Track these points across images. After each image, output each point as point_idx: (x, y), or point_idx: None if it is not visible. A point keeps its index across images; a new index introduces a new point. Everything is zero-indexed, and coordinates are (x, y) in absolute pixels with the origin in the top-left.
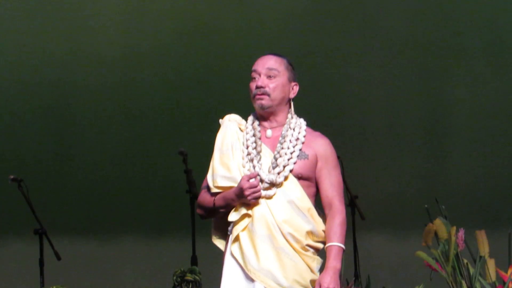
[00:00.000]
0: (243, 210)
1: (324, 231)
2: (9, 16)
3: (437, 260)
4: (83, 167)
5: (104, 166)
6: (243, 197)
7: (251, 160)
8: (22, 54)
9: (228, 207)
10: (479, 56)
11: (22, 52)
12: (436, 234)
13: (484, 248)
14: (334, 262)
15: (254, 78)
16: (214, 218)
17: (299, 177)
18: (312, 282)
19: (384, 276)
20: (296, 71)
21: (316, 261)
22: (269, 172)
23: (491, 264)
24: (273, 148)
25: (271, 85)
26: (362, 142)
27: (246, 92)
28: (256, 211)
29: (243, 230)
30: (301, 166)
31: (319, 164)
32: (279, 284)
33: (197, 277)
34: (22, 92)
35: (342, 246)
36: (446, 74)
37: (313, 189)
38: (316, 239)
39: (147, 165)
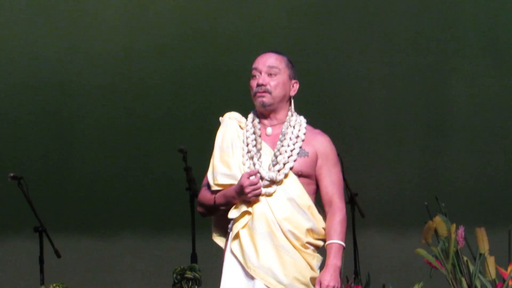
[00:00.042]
0: (243, 208)
1: (324, 229)
2: (9, 14)
3: (437, 258)
4: (83, 165)
5: (104, 164)
6: (244, 195)
7: (251, 158)
8: (21, 53)
9: (229, 204)
10: (478, 54)
11: (21, 50)
12: (436, 231)
13: (484, 245)
14: (335, 260)
15: (255, 76)
16: (214, 215)
17: (299, 175)
18: (312, 279)
19: (384, 273)
20: (296, 69)
21: (316, 259)
22: (269, 169)
23: (491, 261)
24: (273, 146)
25: (272, 83)
26: (362, 139)
27: (246, 90)
28: (256, 208)
29: (243, 227)
30: (301, 164)
31: (319, 162)
32: (279, 282)
33: (197, 275)
34: (22, 90)
35: (343, 243)
36: (445, 71)
37: (313, 187)
38: (316, 236)
39: (147, 163)
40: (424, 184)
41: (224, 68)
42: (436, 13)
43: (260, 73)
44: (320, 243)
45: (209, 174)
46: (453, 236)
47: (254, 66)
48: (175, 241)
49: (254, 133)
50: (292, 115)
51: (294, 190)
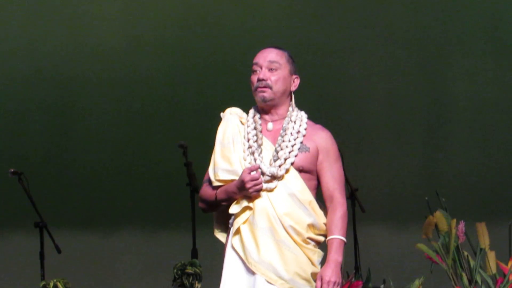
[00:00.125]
0: (244, 203)
1: (325, 224)
2: (10, 9)
3: (437, 253)
4: (83, 160)
5: (105, 159)
6: (245, 190)
7: (252, 153)
8: (22, 48)
9: (230, 200)
10: (479, 50)
11: (22, 45)
12: (436, 226)
13: (484, 240)
14: (336, 255)
15: (255, 71)
16: (216, 211)
17: (300, 170)
18: (313, 274)
19: (385, 268)
20: (297, 64)
21: (317, 254)
22: (270, 165)
23: (491, 256)
24: (274, 141)
25: (273, 78)
26: (363, 134)
27: (247, 85)
28: (257, 203)
29: (244, 222)
30: (302, 159)
31: (320, 157)
32: (280, 277)
33: (197, 270)
34: (22, 86)
35: (344, 239)
36: (446, 67)
37: (314, 182)
38: (317, 232)
39: (148, 158)
40: (425, 179)
41: (225, 64)
42: (437, 9)
43: (261, 68)
44: (321, 238)
45: (210, 170)
46: (453, 231)
47: (254, 61)
48: (176, 236)
49: (255, 128)
50: (293, 110)
51: (295, 186)
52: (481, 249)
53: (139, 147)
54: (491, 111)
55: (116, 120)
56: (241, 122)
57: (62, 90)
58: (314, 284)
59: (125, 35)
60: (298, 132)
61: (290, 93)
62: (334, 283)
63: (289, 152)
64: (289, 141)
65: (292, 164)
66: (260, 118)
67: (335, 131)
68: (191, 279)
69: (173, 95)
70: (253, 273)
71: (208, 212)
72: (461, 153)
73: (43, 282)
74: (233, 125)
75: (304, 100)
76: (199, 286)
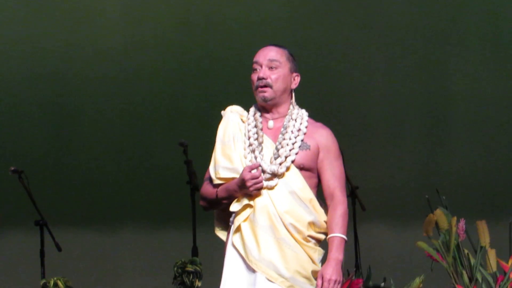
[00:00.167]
0: (245, 201)
1: (325, 222)
2: (9, 7)
3: (438, 251)
4: (83, 158)
5: (105, 157)
6: (245, 188)
7: (253, 151)
8: (21, 46)
9: (231, 198)
10: (479, 47)
11: (21, 43)
12: (437, 224)
13: (485, 238)
14: (336, 254)
15: (256, 69)
16: (217, 209)
17: (301, 168)
18: (314, 273)
19: (385, 266)
20: (297, 62)
21: (317, 252)
22: (270, 163)
23: (492, 254)
24: (275, 139)
25: (273, 76)
26: (363, 132)
27: (247, 83)
28: (258, 201)
29: (245, 220)
30: (303, 157)
31: (321, 155)
32: (280, 275)
33: (198, 268)
34: (22, 84)
35: (344, 237)
36: (446, 64)
37: (315, 180)
38: (317, 230)
39: (148, 156)
40: (425, 177)
41: (225, 62)
42: (437, 6)
43: (261, 66)
44: (322, 236)
45: (211, 168)
46: (454, 229)
47: (254, 59)
48: (176, 234)
49: (255, 126)
50: (293, 108)
51: (295, 183)
52: (481, 247)
53: (139, 145)
54: (491, 109)
55: (116, 118)
56: (241, 120)
57: (62, 89)
58: (314, 282)
59: (126, 33)
60: (299, 130)
61: (291, 91)
62: (335, 281)
63: (290, 150)
64: (290, 139)
65: (292, 162)
66: (261, 116)
67: (335, 129)
68: (191, 277)
69: (174, 93)
70: (253, 271)
71: (209, 210)
72: (461, 151)
73: (44, 280)
74: (234, 123)
75: (305, 98)
76: (200, 284)
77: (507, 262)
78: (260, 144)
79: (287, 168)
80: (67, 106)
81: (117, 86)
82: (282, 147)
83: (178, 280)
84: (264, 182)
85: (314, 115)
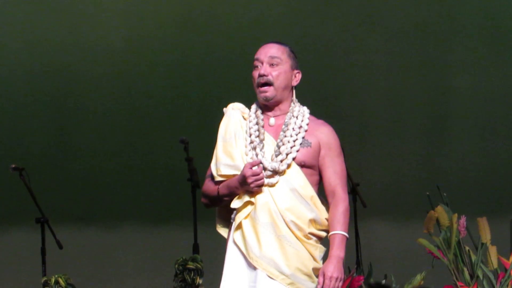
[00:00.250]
0: (246, 198)
1: (327, 219)
2: (12, 4)
3: (439, 248)
4: (84, 156)
5: (106, 155)
6: (246, 185)
7: (254, 148)
8: (22, 43)
9: (232, 195)
10: (480, 44)
11: (23, 41)
12: (437, 221)
13: (485, 235)
14: (338, 251)
15: (257, 66)
16: (218, 206)
17: (302, 165)
18: (315, 270)
19: (386, 263)
20: (298, 59)
21: (319, 250)
22: (272, 160)
23: (493, 251)
24: (276, 136)
25: (274, 73)
26: (364, 129)
27: (248, 80)
28: (259, 199)
29: (246, 217)
30: (304, 154)
31: (322, 152)
32: (281, 272)
33: (199, 265)
34: (23, 81)
35: (346, 234)
36: (447, 60)
37: (316, 177)
38: (319, 227)
39: (149, 153)
40: (426, 174)
41: (226, 59)
42: (437, 3)
43: (262, 63)
44: (323, 233)
45: (213, 165)
46: (455, 226)
47: (256, 56)
48: (177, 232)
49: (257, 123)
50: (295, 105)
51: (296, 181)
52: (482, 244)
53: (140, 142)
54: (493, 105)
55: (117, 115)
56: (243, 117)
57: (63, 86)
58: (315, 279)
59: (126, 31)
60: (300, 127)
61: (292, 88)
62: (337, 278)
63: (291, 147)
64: (291, 136)
65: (293, 159)
66: (262, 113)
67: (336, 126)
68: (192, 274)
69: (174, 91)
70: (254, 268)
71: (211, 208)
72: (462, 148)
73: (45, 278)
74: (235, 120)
75: (305, 95)
76: (201, 281)
77: (508, 259)
78: (261, 141)
79: (288, 165)
80: (68, 103)
81: (119, 84)
82: (283, 144)
83: (179, 277)
84: (265, 179)
85: (315, 112)
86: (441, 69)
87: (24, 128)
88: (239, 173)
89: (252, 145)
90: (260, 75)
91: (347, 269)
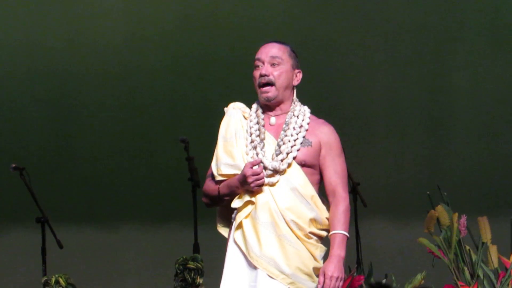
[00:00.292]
0: (247, 197)
1: (327, 219)
2: (10, 4)
3: (439, 247)
4: (85, 155)
5: (106, 154)
6: (246, 184)
7: (255, 148)
8: (22, 42)
9: (233, 194)
10: (481, 42)
11: (22, 40)
12: (438, 220)
13: (486, 234)
14: (338, 250)
15: (258, 66)
16: (219, 206)
17: (303, 165)
18: (315, 269)
19: (387, 263)
20: (299, 58)
21: (319, 249)
22: (272, 159)
23: (493, 250)
24: (276, 136)
25: (275, 73)
26: (364, 128)
27: (249, 80)
28: (259, 198)
29: (246, 217)
30: (305, 153)
31: (322, 151)
32: (281, 272)
33: (199, 265)
34: (23, 81)
35: (346, 234)
36: (447, 60)
37: (317, 177)
38: (319, 226)
39: (149, 153)
40: (426, 173)
41: (227, 58)
42: (437, 2)
43: (263, 63)
44: (324, 233)
45: (213, 165)
46: (455, 225)
47: (257, 56)
48: (177, 231)
49: (257, 123)
50: (295, 105)
51: (297, 180)
52: (483, 243)
53: (140, 142)
54: (493, 105)
55: (117, 115)
56: (244, 116)
57: (63, 86)
58: (316, 279)
59: (126, 29)
60: (301, 126)
61: (293, 87)
62: (337, 278)
63: (292, 147)
64: (292, 135)
65: (294, 158)
66: (263, 112)
67: (337, 126)
68: (193, 274)
69: (175, 90)
70: (254, 267)
71: (212, 207)
72: (463, 147)
73: (45, 278)
74: (236, 119)
75: (306, 94)
76: (201, 281)
77: (509, 258)
78: (262, 140)
79: (289, 165)
80: (68, 103)
81: (118, 83)
82: (283, 143)
83: (179, 277)
84: (265, 178)
85: (316, 112)
86: (442, 68)
87: (24, 128)
88: (239, 172)
89: (252, 144)
90: (262, 75)
91: (347, 268)
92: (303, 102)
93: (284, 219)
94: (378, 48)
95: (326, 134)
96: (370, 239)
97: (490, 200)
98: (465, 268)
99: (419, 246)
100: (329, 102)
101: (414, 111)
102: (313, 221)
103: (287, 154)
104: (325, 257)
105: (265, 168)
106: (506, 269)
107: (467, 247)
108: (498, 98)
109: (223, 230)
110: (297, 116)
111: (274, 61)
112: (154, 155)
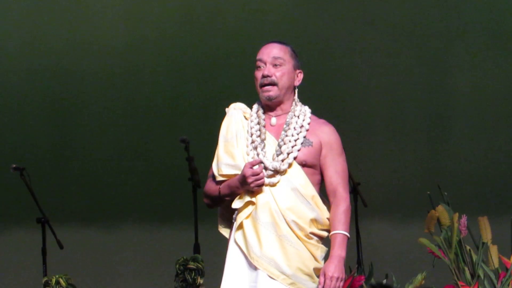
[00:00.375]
0: (247, 198)
1: (328, 219)
2: (12, 4)
3: (439, 247)
4: (85, 155)
5: (107, 154)
6: (246, 184)
7: (255, 148)
8: (24, 43)
9: (233, 195)
10: (481, 43)
11: (24, 41)
12: (438, 220)
13: (486, 234)
14: (339, 251)
15: (260, 67)
16: (220, 206)
17: (303, 165)
18: (316, 270)
19: (387, 263)
20: (299, 59)
21: (320, 249)
22: (273, 159)
23: (494, 250)
24: (277, 136)
25: (278, 74)
26: (365, 129)
27: (250, 80)
28: (260, 198)
29: (247, 217)
30: (305, 154)
31: (323, 151)
32: (282, 272)
33: (199, 265)
34: (24, 81)
35: (347, 234)
36: (448, 60)
37: (317, 177)
38: (320, 227)
39: (150, 153)
40: (427, 173)
41: (227, 58)
42: (438, 2)
43: (265, 64)
44: (324, 233)
45: (214, 165)
46: (455, 225)
47: (258, 57)
48: (178, 231)
49: (258, 123)
50: (296, 105)
51: (298, 180)
52: (483, 243)
53: (141, 142)
54: (494, 104)
55: (118, 115)
56: (245, 117)
57: (64, 86)
58: (316, 279)
59: (128, 30)
60: (302, 126)
61: (294, 88)
62: (338, 278)
63: (292, 147)
64: (292, 135)
65: (295, 158)
66: (264, 113)
67: (337, 126)
68: (193, 274)
69: (175, 90)
70: (255, 268)
71: (213, 208)
72: (464, 147)
73: (45, 278)
74: (237, 120)
75: (307, 94)
76: (201, 281)
77: (509, 258)
78: (262, 141)
79: (289, 165)
80: (69, 103)
81: (119, 83)
82: (284, 143)
83: (180, 277)
84: (266, 179)
85: (316, 112)
86: (443, 68)
87: (25, 128)
88: (240, 172)
89: (253, 144)
90: (264, 76)
91: (348, 268)
92: (304, 102)
93: (284, 219)
94: (378, 49)
95: (326, 134)
96: (371, 239)
97: (490, 200)
98: (466, 268)
99: (419, 246)
100: (329, 102)
101: (415, 111)
102: (314, 221)
103: (288, 154)
104: (326, 258)
105: (265, 168)
106: (507, 269)
107: (468, 247)
108: (498, 98)
109: (224, 231)
110: (298, 116)
111: (276, 62)
112: (154, 155)
